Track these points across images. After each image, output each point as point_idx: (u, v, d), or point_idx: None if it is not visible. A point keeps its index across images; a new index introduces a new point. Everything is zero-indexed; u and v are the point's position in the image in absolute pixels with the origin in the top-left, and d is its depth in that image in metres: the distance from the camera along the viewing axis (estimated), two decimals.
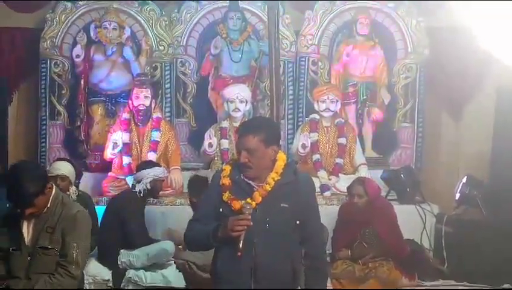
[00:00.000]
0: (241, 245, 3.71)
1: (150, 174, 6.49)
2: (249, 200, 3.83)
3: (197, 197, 6.00)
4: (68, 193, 6.07)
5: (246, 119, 7.55)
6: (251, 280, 3.82)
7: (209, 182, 4.17)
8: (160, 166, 6.83)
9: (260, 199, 3.87)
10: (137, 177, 6.53)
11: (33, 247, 4.25)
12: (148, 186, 6.47)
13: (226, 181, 3.96)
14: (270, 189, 3.90)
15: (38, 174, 4.26)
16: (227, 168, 4.01)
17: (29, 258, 4.25)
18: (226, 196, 3.92)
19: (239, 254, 3.72)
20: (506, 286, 6.55)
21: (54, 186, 4.37)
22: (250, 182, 3.93)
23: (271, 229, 3.85)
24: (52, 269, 4.24)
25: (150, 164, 6.74)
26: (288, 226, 3.91)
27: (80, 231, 4.30)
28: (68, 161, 6.66)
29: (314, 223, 4.06)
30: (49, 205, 4.26)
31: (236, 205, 3.86)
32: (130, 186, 6.79)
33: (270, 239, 3.84)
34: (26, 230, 4.28)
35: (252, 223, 3.74)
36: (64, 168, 6.30)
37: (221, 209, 3.91)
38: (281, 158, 4.00)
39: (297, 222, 3.92)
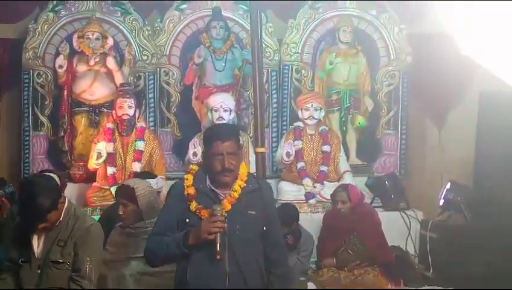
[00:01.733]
0: (218, 248, 3.73)
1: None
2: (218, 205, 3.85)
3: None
4: None
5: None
6: (226, 285, 3.83)
7: (168, 194, 4.16)
8: (157, 177, 6.78)
9: (230, 206, 3.89)
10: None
11: (43, 260, 4.16)
12: None
13: (191, 191, 3.94)
14: (238, 196, 3.93)
15: (52, 188, 4.16)
16: (190, 178, 4.00)
17: (38, 271, 4.17)
18: (193, 205, 3.90)
19: (218, 256, 3.74)
20: None
21: (67, 199, 4.29)
22: (217, 190, 3.94)
23: (241, 235, 3.87)
24: (62, 283, 4.15)
25: (147, 175, 6.67)
26: (257, 233, 3.96)
27: (93, 245, 4.22)
28: (52, 172, 6.61)
29: (277, 229, 4.14)
30: (61, 219, 4.18)
31: (206, 213, 3.87)
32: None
33: (241, 245, 3.86)
34: (36, 243, 4.19)
35: (226, 225, 3.76)
36: None
37: (187, 220, 3.90)
38: (243, 166, 4.05)
39: (264, 228, 3.97)
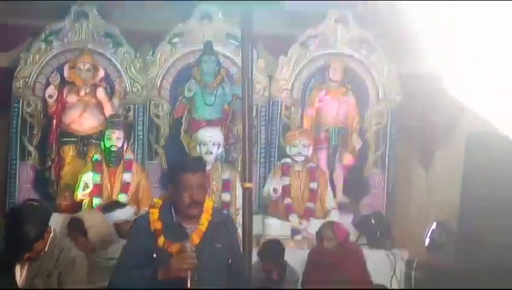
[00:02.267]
0: (189, 285, 3.72)
1: (114, 216, 6.43)
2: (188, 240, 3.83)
3: None
4: None
5: (218, 162, 7.60)
6: None
7: (132, 228, 4.15)
8: (125, 206, 6.75)
9: (198, 240, 3.89)
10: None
11: None
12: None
13: (158, 225, 3.92)
14: (205, 230, 3.93)
15: (40, 218, 4.14)
16: (155, 212, 3.97)
17: None
18: (161, 241, 3.88)
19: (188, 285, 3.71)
20: None
21: (52, 229, 4.25)
22: (183, 223, 3.92)
23: (209, 269, 3.87)
24: None
25: (115, 205, 6.66)
26: (223, 266, 3.98)
27: (78, 274, 4.19)
28: (38, 201, 6.58)
29: (240, 261, 4.19)
30: (46, 249, 4.14)
31: (174, 248, 3.84)
32: None
33: (209, 278, 3.86)
34: (19, 272, 4.15)
35: (196, 261, 3.74)
36: None
37: (154, 255, 3.87)
38: (208, 199, 4.06)
39: (230, 261, 4.00)
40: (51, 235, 4.19)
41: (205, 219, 3.97)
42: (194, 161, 4.29)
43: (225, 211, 4.30)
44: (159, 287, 3.78)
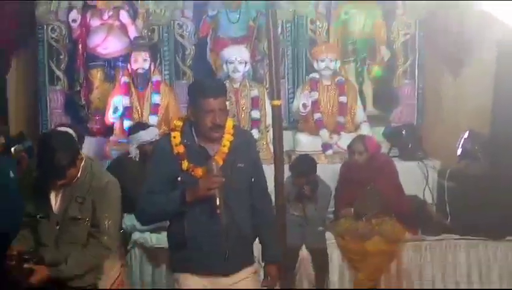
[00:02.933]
0: (218, 202, 3.76)
1: (138, 137, 6.47)
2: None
3: None
4: None
5: (246, 80, 7.57)
6: (224, 238, 3.87)
7: (154, 151, 4.15)
8: (149, 127, 6.74)
9: (222, 161, 3.89)
10: (130, 140, 6.53)
11: (62, 216, 4.15)
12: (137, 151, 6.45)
13: (181, 149, 3.90)
14: (227, 151, 3.93)
15: (70, 145, 4.12)
16: (177, 135, 3.94)
17: (57, 227, 4.16)
18: (185, 164, 3.88)
19: (218, 211, 3.77)
20: (509, 237, 6.61)
21: (84, 155, 4.27)
22: (205, 146, 3.92)
23: (233, 189, 3.89)
24: (81, 239, 4.16)
25: (138, 126, 6.69)
26: (247, 185, 4.00)
27: (110, 202, 4.20)
28: (70, 126, 6.63)
29: (263, 179, 4.17)
30: (79, 175, 4.15)
31: (199, 171, 3.86)
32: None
33: (234, 198, 3.90)
34: (54, 199, 4.18)
35: (224, 180, 3.78)
36: None
37: (179, 178, 3.88)
38: (229, 119, 4.02)
39: (253, 180, 4.01)
40: (83, 162, 4.19)
41: (227, 139, 3.95)
42: (216, 83, 4.17)
43: (246, 130, 4.28)
44: (187, 207, 3.82)
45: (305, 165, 6.50)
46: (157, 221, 4.29)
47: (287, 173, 5.97)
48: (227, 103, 7.33)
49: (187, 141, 3.91)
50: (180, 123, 3.99)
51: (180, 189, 3.83)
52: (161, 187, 3.89)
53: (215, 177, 3.76)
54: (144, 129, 6.58)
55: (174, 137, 3.94)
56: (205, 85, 3.96)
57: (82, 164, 4.18)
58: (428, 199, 7.17)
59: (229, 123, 4.00)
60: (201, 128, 3.89)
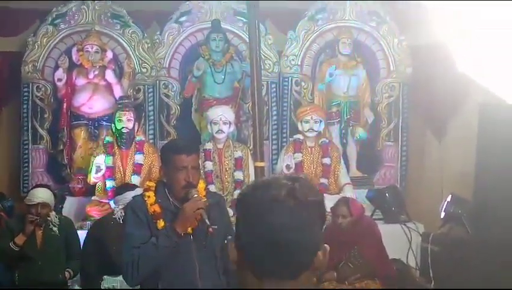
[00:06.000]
0: (207, 221, 3.78)
1: (125, 198, 6.41)
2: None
3: None
4: (49, 218, 6.03)
5: (230, 141, 7.58)
6: None
7: (128, 213, 4.13)
8: (136, 188, 6.73)
9: (196, 222, 3.89)
10: (116, 201, 6.48)
11: None
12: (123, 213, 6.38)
13: (157, 208, 3.91)
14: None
15: None
16: (151, 195, 3.95)
17: None
18: (161, 224, 3.88)
19: (211, 230, 3.79)
20: None
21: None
22: (180, 206, 3.90)
23: (208, 251, 3.90)
24: None
25: (125, 187, 6.66)
26: (220, 246, 3.96)
27: None
28: (46, 186, 6.60)
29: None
30: None
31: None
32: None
33: (207, 261, 3.91)
34: None
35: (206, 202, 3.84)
36: (44, 195, 6.17)
37: (153, 238, 3.86)
38: (201, 181, 4.06)
39: (229, 237, 3.95)
40: None
41: None
42: (188, 142, 4.25)
43: (216, 192, 4.36)
44: (179, 239, 3.82)
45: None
46: (147, 273, 4.21)
47: None
48: (210, 163, 7.50)
49: (162, 201, 3.92)
50: (152, 184, 4.03)
51: (167, 228, 3.83)
52: (144, 241, 3.88)
53: (197, 201, 3.80)
54: (131, 190, 6.53)
55: (149, 197, 3.94)
56: (178, 143, 4.11)
57: None
58: (412, 262, 7.13)
59: (201, 185, 4.03)
60: (174, 187, 3.91)
